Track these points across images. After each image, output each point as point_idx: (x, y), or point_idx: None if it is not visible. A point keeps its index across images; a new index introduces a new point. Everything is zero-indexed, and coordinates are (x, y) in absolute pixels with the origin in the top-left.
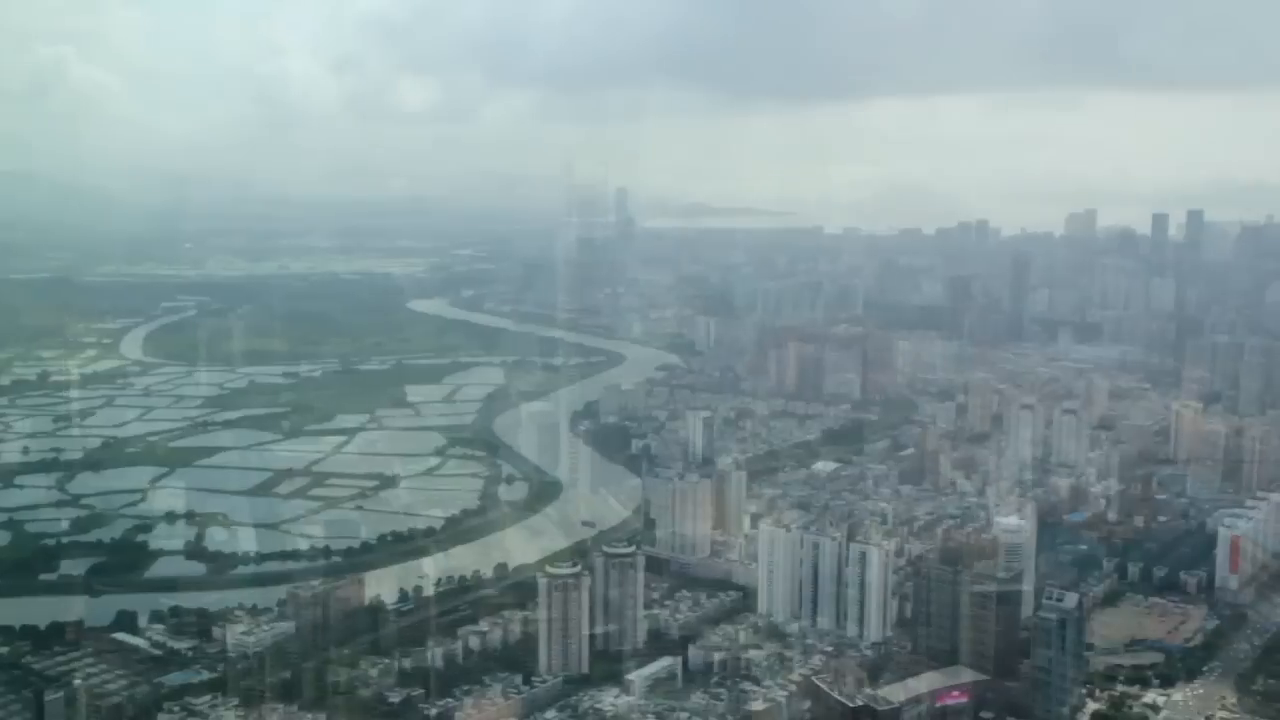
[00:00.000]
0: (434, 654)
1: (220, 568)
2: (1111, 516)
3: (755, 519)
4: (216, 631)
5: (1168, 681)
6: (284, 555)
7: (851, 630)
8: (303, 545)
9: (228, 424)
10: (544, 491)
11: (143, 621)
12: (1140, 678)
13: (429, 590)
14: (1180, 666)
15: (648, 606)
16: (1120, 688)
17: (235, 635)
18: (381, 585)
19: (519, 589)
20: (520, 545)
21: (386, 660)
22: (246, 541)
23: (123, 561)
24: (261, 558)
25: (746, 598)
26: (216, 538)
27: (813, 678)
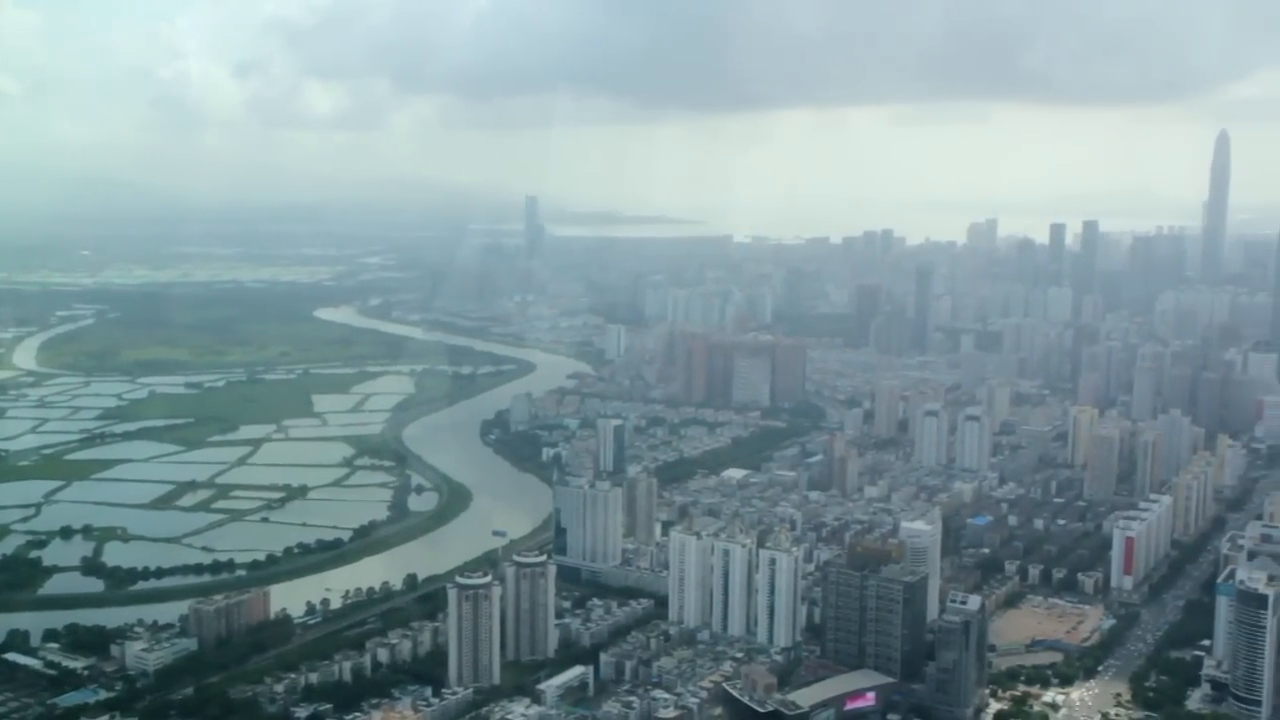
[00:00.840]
0: (342, 667)
1: (119, 584)
2: (1013, 520)
3: (666, 526)
4: (114, 650)
5: (1067, 680)
6: (186, 569)
7: (762, 636)
8: (206, 559)
9: (127, 435)
10: (453, 501)
11: (36, 641)
12: (1040, 677)
13: (336, 603)
14: (1079, 665)
15: (559, 615)
16: (1022, 687)
17: (134, 653)
18: (288, 598)
19: (429, 600)
20: (430, 555)
21: (293, 675)
22: (147, 556)
23: (15, 579)
24: (162, 572)
25: (658, 605)
26: (115, 553)
27: (723, 684)
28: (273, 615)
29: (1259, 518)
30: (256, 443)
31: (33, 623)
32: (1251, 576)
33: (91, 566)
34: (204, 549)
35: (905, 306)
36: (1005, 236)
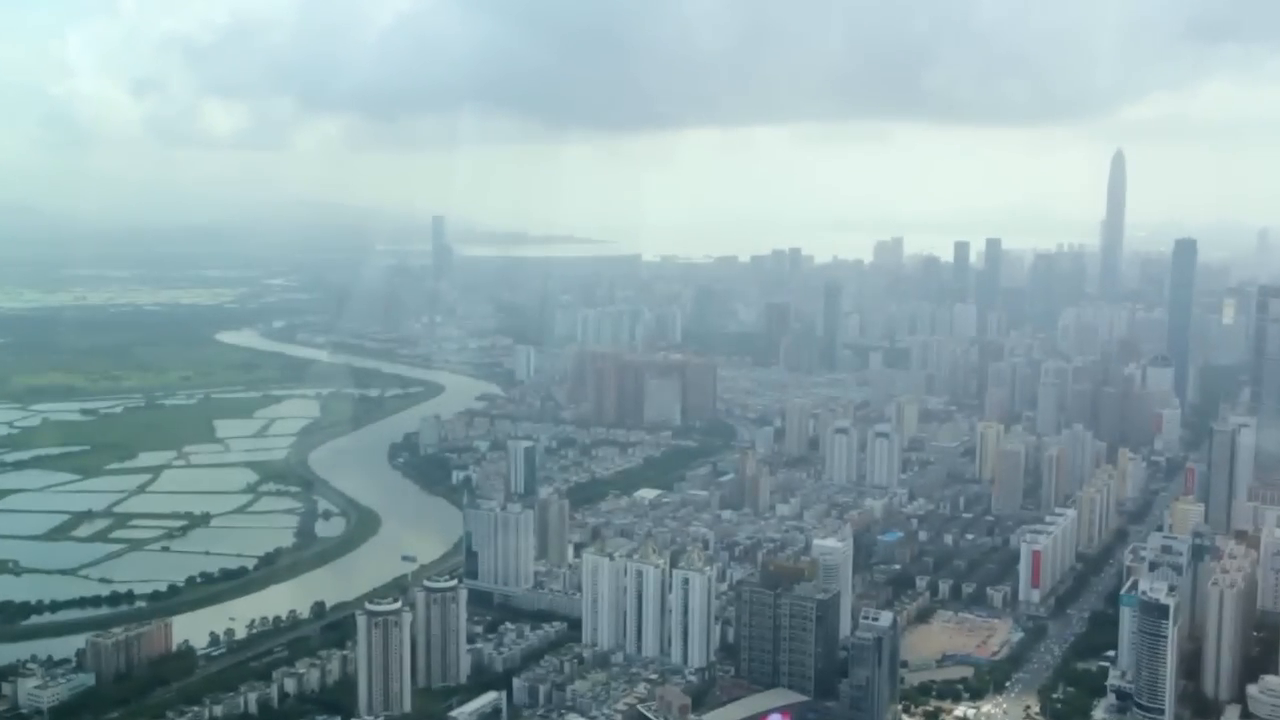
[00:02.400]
0: (248, 699)
1: (10, 619)
2: (923, 535)
3: (578, 548)
4: (6, 687)
5: (977, 695)
6: (83, 602)
7: (676, 656)
8: (104, 591)
9: (19, 465)
10: (362, 526)
11: None
12: (952, 692)
13: (241, 633)
14: (989, 679)
15: (471, 640)
16: (934, 702)
17: (28, 690)
18: (190, 629)
19: (337, 628)
20: (338, 582)
21: (196, 709)
22: (41, 589)
23: None
24: (57, 606)
25: (571, 627)
26: (7, 587)
27: (638, 706)
28: (175, 647)
29: (1159, 529)
30: (156, 470)
31: None
32: (1153, 587)
33: None
34: (101, 580)
35: (814, 325)
36: (911, 255)
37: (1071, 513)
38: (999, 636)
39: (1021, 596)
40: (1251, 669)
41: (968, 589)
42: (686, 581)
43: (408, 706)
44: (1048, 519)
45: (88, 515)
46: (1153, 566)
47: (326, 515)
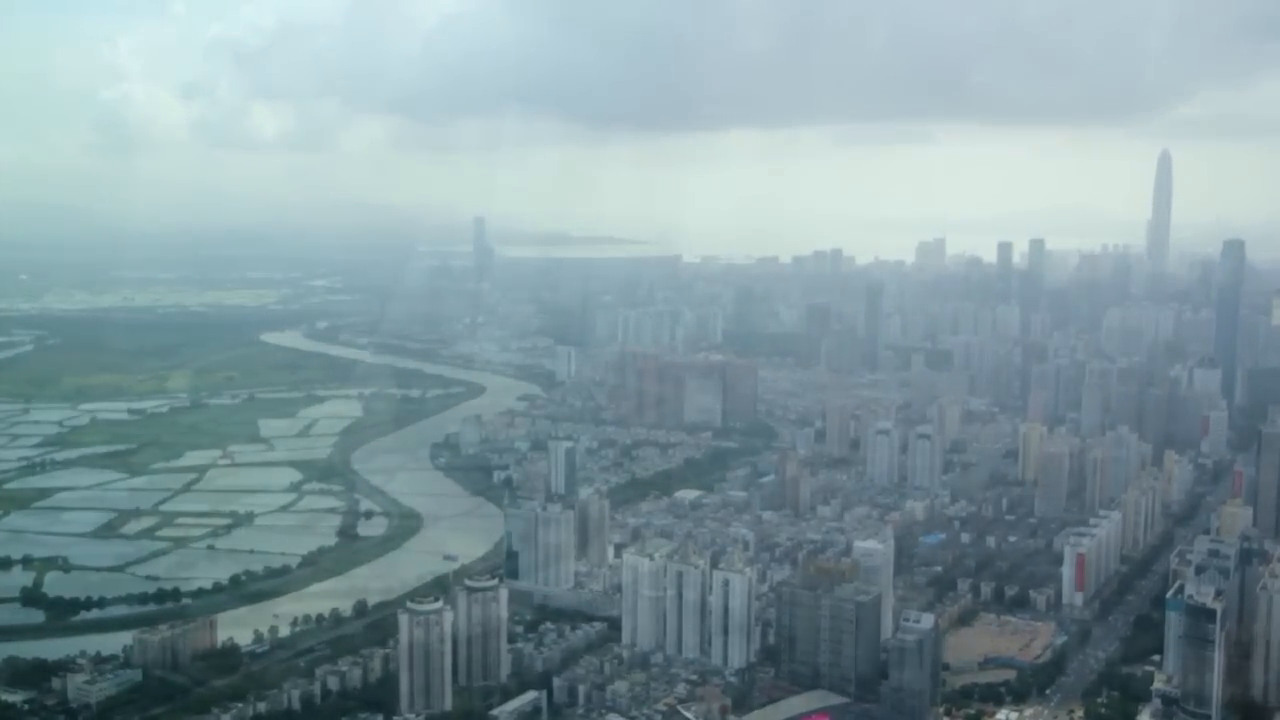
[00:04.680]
0: (290, 696)
1: (60, 614)
2: (965, 537)
3: (619, 549)
4: (56, 682)
5: (1020, 698)
6: (130, 599)
7: (716, 658)
8: (150, 588)
9: (68, 463)
10: (404, 525)
11: None
12: (994, 695)
13: (285, 630)
14: (1031, 683)
15: (511, 640)
16: (975, 705)
17: (76, 685)
18: (235, 627)
19: (379, 626)
20: (380, 581)
21: (240, 705)
22: (89, 586)
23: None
24: (105, 602)
25: (611, 628)
26: (56, 583)
27: (678, 707)
28: (219, 644)
29: (1206, 532)
30: (201, 469)
31: None
32: (1200, 591)
33: (31, 597)
34: (148, 578)
35: (855, 325)
36: (954, 255)
37: (1116, 515)
38: (1042, 639)
39: (1065, 599)
40: None
41: (1010, 591)
42: (727, 583)
43: (448, 705)
44: (1092, 521)
45: (134, 513)
46: (1199, 570)
47: (368, 514)
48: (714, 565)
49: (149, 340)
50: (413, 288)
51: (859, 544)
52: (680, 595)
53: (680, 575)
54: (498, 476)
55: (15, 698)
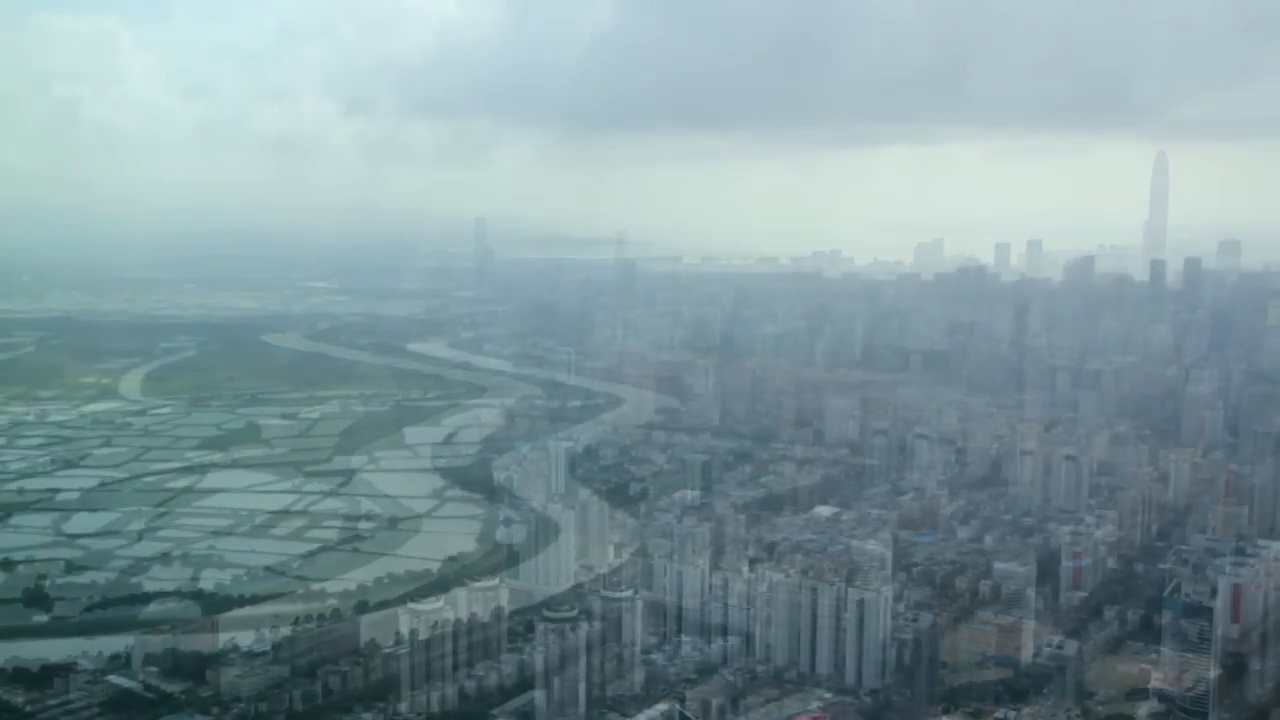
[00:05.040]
0: (429, 698)
1: (214, 609)
2: (1111, 563)
3: (753, 563)
4: (210, 674)
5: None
6: (278, 597)
7: (850, 676)
8: (298, 587)
9: (224, 465)
10: (542, 534)
11: (136, 664)
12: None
13: (425, 633)
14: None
15: (645, 651)
16: None
17: (229, 678)
18: (377, 628)
19: (516, 633)
20: (517, 588)
21: (381, 704)
22: (240, 583)
23: (117, 603)
24: (256, 599)
25: (744, 643)
26: (212, 579)
27: (678, 706)
28: (362, 644)
29: None
30: (349, 473)
31: (134, 646)
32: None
33: (190, 593)
34: (296, 577)
35: (999, 343)
36: (1103, 274)
37: (1276, 546)
38: (1193, 672)
39: (1218, 631)
40: None
41: (1159, 621)
42: (862, 601)
43: (582, 712)
44: (1249, 551)
45: (285, 514)
46: None
47: (508, 522)
48: (849, 583)
49: (305, 347)
50: (557, 301)
51: (999, 566)
52: (814, 612)
53: (815, 591)
54: (634, 488)
55: (173, 688)
